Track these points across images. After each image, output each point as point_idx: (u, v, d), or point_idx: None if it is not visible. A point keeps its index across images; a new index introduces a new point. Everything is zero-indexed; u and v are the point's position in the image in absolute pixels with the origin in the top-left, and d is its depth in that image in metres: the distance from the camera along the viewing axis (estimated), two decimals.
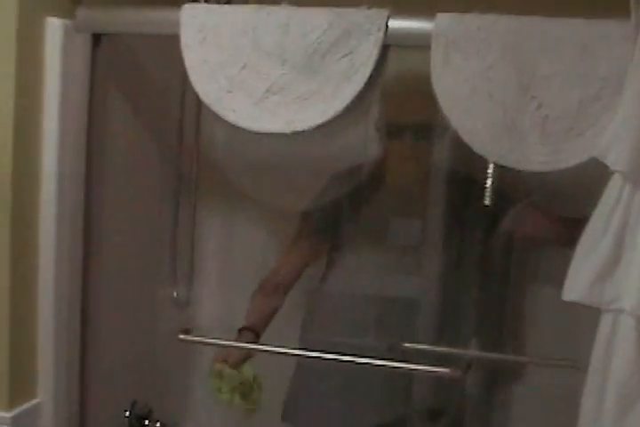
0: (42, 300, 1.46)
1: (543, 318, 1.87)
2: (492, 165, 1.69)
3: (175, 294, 1.90)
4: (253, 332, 1.75)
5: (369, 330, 1.67)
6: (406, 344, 1.49)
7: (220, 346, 1.71)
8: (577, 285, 1.18)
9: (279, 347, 1.59)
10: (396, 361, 1.45)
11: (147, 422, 1.81)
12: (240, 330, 1.75)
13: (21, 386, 1.42)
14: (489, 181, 1.75)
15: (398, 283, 1.75)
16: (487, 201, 1.77)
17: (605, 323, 1.18)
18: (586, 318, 1.21)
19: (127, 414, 1.78)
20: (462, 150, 1.31)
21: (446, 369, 1.41)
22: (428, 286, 1.75)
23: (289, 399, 1.85)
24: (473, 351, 1.64)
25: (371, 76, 1.31)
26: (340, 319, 1.79)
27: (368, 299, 1.75)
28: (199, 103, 1.74)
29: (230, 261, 2.06)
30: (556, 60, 1.26)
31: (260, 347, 1.72)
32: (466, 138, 1.29)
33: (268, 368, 1.76)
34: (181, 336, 1.57)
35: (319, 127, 1.32)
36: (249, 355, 1.72)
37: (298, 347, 1.79)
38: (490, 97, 1.28)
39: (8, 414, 1.37)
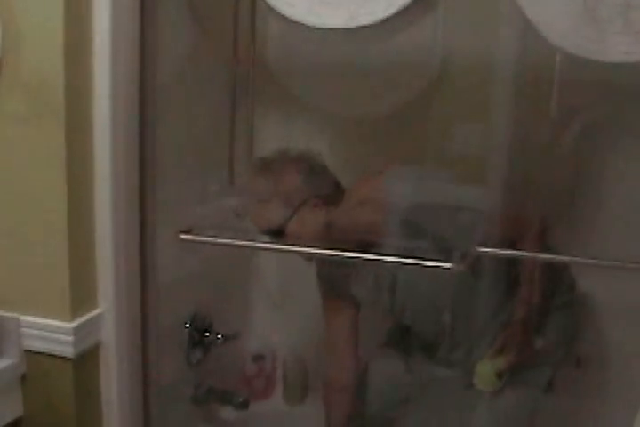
0: (98, 208, 1.41)
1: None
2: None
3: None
4: None
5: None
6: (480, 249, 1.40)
7: (221, 245, 1.59)
8: None
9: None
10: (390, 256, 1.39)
11: (207, 334, 1.82)
12: None
13: (83, 297, 1.40)
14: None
15: None
16: None
17: None
18: None
19: (187, 325, 1.80)
20: None
21: (447, 264, 1.33)
22: None
23: None
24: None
25: None
26: None
27: None
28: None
29: None
30: None
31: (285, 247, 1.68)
32: (542, 30, 1.21)
33: None
34: (182, 236, 1.49)
35: (384, 22, 1.24)
36: None
37: None
38: None
39: (70, 325, 1.36)
